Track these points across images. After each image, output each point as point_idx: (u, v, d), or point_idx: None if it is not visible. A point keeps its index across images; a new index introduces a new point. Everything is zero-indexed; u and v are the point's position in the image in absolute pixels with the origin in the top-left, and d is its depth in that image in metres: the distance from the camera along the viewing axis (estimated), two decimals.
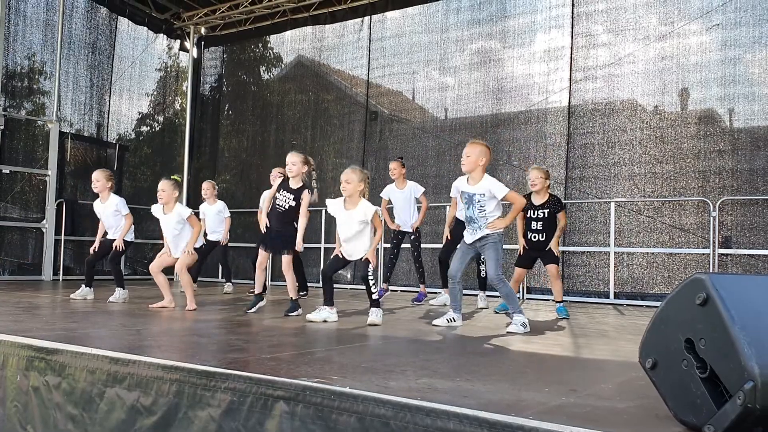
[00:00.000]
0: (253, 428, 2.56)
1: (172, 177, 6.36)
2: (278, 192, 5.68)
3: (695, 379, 1.94)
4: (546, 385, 2.74)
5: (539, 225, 6.00)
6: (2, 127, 9.82)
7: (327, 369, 2.90)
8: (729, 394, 1.83)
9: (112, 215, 6.69)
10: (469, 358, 3.53)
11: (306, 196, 5.61)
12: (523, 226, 6.08)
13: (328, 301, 5.12)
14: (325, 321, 5.00)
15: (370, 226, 5.02)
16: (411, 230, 7.34)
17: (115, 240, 6.65)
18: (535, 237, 6.02)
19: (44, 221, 10.20)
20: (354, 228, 5.00)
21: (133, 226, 6.80)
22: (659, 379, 2.10)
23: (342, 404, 2.37)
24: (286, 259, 5.62)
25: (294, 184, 5.66)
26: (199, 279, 8.32)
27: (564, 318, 5.92)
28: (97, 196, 6.80)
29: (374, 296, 5.02)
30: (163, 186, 6.02)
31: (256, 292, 5.75)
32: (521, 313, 4.82)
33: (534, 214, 6.02)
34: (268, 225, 5.72)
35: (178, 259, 5.92)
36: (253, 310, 5.61)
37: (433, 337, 4.40)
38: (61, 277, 10.13)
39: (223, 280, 9.27)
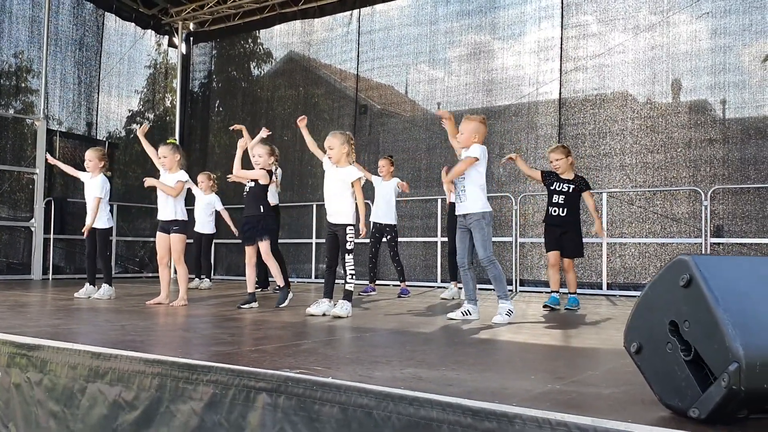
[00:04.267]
0: (235, 421, 2.52)
1: (168, 141, 6.16)
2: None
3: (680, 362, 1.90)
4: (532, 373, 2.71)
5: (561, 199, 5.87)
6: None
7: (311, 360, 2.86)
8: (714, 377, 1.79)
9: (93, 195, 6.55)
10: (456, 348, 3.50)
11: (261, 172, 5.70)
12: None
13: (328, 294, 5.11)
14: (324, 314, 4.96)
15: (351, 191, 5.08)
16: (389, 224, 7.43)
17: (97, 230, 6.55)
18: (555, 211, 5.91)
19: (33, 220, 10.12)
20: (336, 185, 5.08)
21: (109, 214, 6.72)
22: (644, 364, 2.06)
23: (324, 395, 2.34)
24: (264, 247, 5.63)
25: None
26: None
27: (572, 309, 5.83)
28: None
29: (348, 286, 5.03)
30: (164, 152, 5.84)
31: (249, 291, 5.70)
32: (507, 299, 4.76)
33: (558, 187, 5.90)
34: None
35: (172, 237, 5.78)
36: (244, 306, 5.56)
37: (420, 329, 4.36)
38: (50, 276, 10.06)
39: (202, 276, 8.72)
